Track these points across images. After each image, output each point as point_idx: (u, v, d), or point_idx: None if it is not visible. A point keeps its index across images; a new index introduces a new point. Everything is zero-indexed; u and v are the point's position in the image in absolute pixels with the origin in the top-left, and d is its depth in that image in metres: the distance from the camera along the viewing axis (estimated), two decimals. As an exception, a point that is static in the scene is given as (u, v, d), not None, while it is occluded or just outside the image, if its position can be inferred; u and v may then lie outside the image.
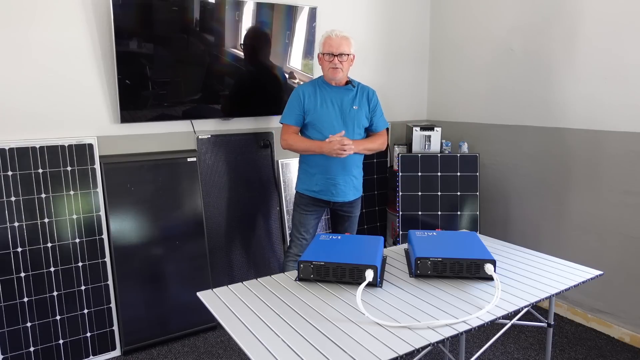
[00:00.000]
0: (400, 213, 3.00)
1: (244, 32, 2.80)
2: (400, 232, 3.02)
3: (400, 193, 2.99)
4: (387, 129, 2.73)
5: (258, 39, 2.87)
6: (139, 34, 2.47)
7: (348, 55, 2.44)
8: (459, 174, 3.00)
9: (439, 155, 3.01)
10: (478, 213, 3.00)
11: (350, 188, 2.57)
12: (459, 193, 3.00)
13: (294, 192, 2.67)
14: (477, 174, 2.99)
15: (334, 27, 2.54)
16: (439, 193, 3.00)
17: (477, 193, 2.99)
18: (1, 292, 2.28)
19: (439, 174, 3.00)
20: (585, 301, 2.90)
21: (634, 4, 2.52)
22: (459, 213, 3.00)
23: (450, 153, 3.04)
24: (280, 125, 2.58)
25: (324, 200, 2.56)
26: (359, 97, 2.54)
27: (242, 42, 2.78)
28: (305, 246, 2.60)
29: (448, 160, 3.02)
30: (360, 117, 2.53)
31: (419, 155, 3.01)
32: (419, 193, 2.99)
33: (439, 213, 3.00)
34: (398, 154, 3.01)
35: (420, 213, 3.00)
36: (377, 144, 2.59)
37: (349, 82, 2.54)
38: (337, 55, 2.41)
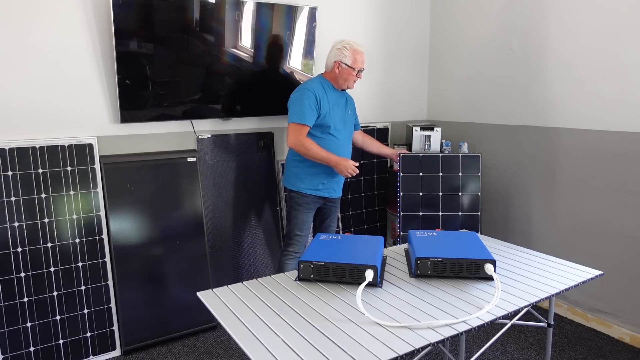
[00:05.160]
0: (401, 213, 2.99)
1: (243, 32, 2.80)
2: (401, 233, 3.01)
3: (401, 193, 2.98)
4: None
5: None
6: (139, 34, 2.47)
7: None
8: (460, 174, 2.99)
9: (440, 155, 3.00)
10: (479, 214, 2.99)
11: (343, 183, 2.77)
12: (460, 193, 2.99)
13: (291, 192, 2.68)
14: (479, 174, 2.99)
15: (351, 38, 2.63)
16: (440, 193, 2.99)
17: (479, 193, 2.98)
18: (1, 292, 2.28)
19: (441, 174, 2.99)
20: (585, 301, 2.90)
21: (634, 4, 2.52)
22: (460, 214, 2.98)
23: (450, 153, 3.03)
24: (282, 124, 2.58)
25: (324, 197, 2.67)
26: (349, 103, 2.73)
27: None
28: (303, 243, 2.68)
29: (450, 160, 3.00)
30: (352, 121, 2.76)
31: (420, 155, 3.00)
32: (420, 193, 2.99)
33: (440, 214, 2.99)
34: (399, 154, 3.00)
35: (421, 214, 2.99)
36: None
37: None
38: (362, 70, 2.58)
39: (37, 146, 2.37)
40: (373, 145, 2.96)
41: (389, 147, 3.01)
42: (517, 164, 3.22)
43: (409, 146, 3.22)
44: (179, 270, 2.72)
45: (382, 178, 3.63)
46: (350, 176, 2.55)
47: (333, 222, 2.84)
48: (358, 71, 2.55)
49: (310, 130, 2.55)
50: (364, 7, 3.43)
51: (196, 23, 2.63)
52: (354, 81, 2.58)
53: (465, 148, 3.17)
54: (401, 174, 2.99)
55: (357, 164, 2.58)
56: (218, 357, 2.54)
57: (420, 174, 2.99)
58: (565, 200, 2.95)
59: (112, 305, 2.55)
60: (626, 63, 2.58)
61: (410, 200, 3.00)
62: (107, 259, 2.54)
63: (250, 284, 1.71)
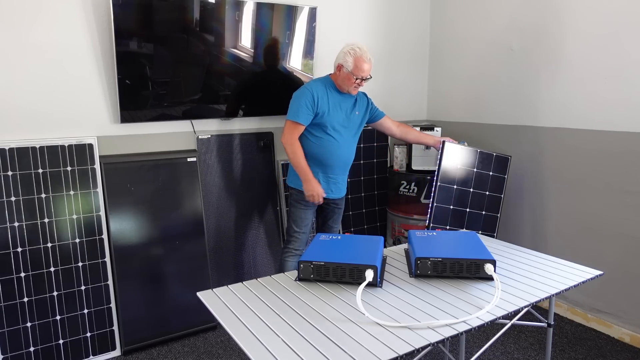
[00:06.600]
0: (434, 204, 2.87)
1: (243, 32, 2.80)
2: (431, 225, 2.93)
3: (439, 184, 2.87)
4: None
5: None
6: (139, 34, 2.47)
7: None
8: (491, 173, 2.92)
9: (478, 150, 2.91)
10: (499, 215, 2.92)
11: (345, 184, 2.75)
12: (487, 192, 2.91)
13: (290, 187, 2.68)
14: (506, 176, 2.92)
15: (357, 42, 2.51)
16: (471, 190, 2.90)
17: (502, 195, 2.90)
18: (1, 292, 2.28)
19: (475, 170, 2.91)
20: (585, 301, 2.90)
21: (634, 3, 2.52)
22: (483, 212, 2.92)
23: (485, 150, 2.93)
24: (282, 124, 2.58)
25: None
26: (359, 103, 2.69)
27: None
28: (303, 241, 2.68)
29: (485, 157, 2.93)
30: (359, 122, 2.69)
31: (462, 147, 2.90)
32: (455, 186, 2.89)
33: (467, 210, 2.91)
34: (443, 141, 2.91)
35: (451, 207, 2.90)
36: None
37: None
38: (365, 79, 2.52)
39: (37, 146, 2.37)
40: (411, 134, 2.90)
41: (430, 135, 2.92)
42: (516, 163, 3.22)
43: (409, 146, 3.21)
44: (179, 270, 2.72)
45: (382, 178, 3.63)
46: (312, 201, 2.53)
47: (335, 224, 2.82)
48: (362, 79, 2.51)
49: (310, 129, 2.55)
50: (363, 7, 3.43)
51: (196, 23, 2.63)
52: (355, 87, 2.54)
53: (465, 148, 3.16)
54: (443, 163, 2.87)
55: (325, 194, 2.58)
56: (218, 357, 2.54)
57: (459, 166, 2.90)
58: (565, 200, 2.95)
59: (112, 305, 2.55)
60: (626, 63, 2.58)
61: (445, 193, 2.90)
62: (107, 259, 2.54)
63: (250, 284, 1.71)
